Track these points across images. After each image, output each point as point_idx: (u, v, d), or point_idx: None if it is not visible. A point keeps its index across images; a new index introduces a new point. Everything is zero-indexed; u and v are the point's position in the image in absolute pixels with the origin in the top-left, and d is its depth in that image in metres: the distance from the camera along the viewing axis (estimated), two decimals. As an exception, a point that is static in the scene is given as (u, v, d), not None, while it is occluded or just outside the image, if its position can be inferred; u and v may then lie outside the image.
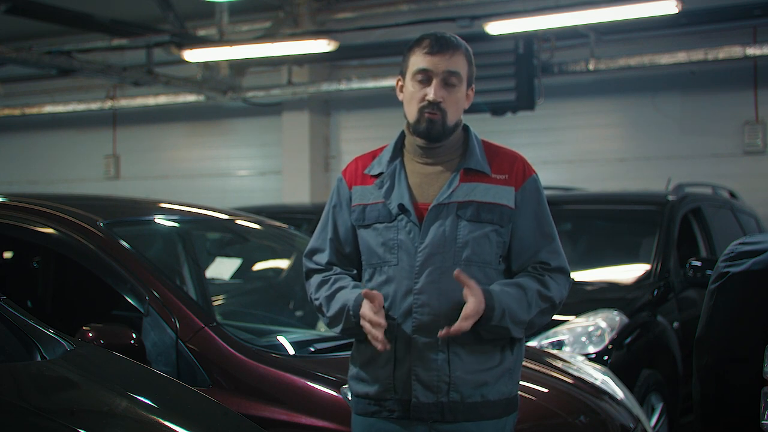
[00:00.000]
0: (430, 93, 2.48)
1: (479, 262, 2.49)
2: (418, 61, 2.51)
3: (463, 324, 2.38)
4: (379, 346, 2.40)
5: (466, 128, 2.63)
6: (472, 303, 2.39)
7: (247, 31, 10.62)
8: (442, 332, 2.40)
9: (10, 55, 9.04)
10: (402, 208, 2.51)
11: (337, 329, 2.56)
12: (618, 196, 7.10)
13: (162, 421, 2.26)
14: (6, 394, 2.19)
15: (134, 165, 12.52)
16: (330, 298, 2.56)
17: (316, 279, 2.64)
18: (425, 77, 2.49)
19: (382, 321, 2.40)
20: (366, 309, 2.43)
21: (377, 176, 2.58)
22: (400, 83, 2.59)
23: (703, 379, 2.95)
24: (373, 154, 2.65)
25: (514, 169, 2.55)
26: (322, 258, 2.65)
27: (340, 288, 2.56)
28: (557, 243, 2.57)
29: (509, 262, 2.57)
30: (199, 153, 12.02)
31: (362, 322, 2.44)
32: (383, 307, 2.45)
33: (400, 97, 2.59)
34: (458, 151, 2.57)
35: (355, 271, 2.65)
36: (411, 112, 2.53)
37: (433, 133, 2.51)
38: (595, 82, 9.61)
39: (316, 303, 2.61)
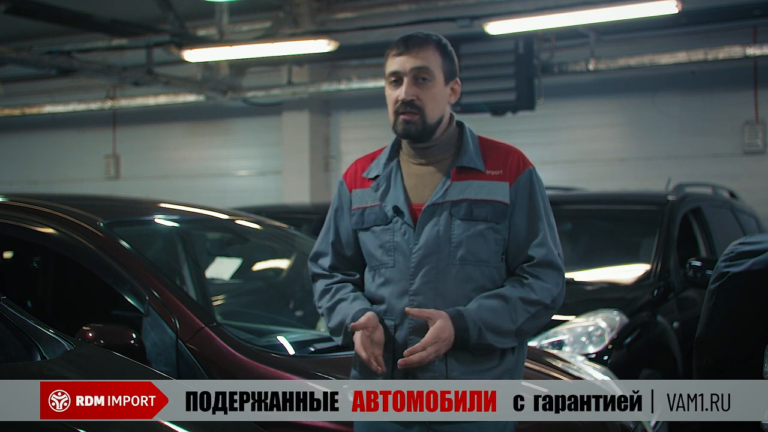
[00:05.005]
0: (401, 93, 2.49)
1: (474, 261, 2.47)
2: (390, 64, 2.53)
3: (422, 354, 2.37)
4: (378, 370, 2.43)
5: (460, 126, 2.62)
6: (432, 330, 2.38)
7: (247, 31, 10.61)
8: (400, 361, 2.40)
9: (10, 55, 9.03)
10: (396, 210, 2.51)
11: (339, 341, 2.57)
12: (618, 196, 7.08)
13: (162, 421, 2.26)
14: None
15: (134, 165, 12.50)
16: (331, 309, 2.58)
17: (320, 285, 2.65)
18: (397, 79, 2.51)
19: (370, 359, 2.41)
20: (358, 343, 2.44)
21: (374, 179, 2.59)
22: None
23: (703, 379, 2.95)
24: (372, 157, 2.66)
25: (508, 163, 2.52)
26: (325, 262, 2.66)
27: (340, 300, 2.56)
28: (546, 236, 2.49)
29: (507, 260, 2.54)
30: (199, 153, 12.00)
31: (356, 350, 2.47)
32: (380, 318, 2.48)
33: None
34: (451, 150, 2.56)
35: (357, 276, 2.65)
36: (390, 114, 2.54)
37: (412, 132, 2.50)
38: (595, 82, 9.60)
39: (320, 311, 2.64)
